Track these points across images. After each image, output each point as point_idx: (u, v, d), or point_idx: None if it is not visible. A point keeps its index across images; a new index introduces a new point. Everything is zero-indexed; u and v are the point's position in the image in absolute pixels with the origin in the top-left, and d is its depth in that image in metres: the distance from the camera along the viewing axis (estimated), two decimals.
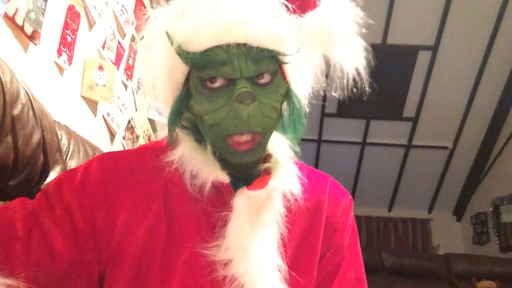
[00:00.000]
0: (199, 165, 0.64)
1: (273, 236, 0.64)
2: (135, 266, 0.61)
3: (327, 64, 0.67)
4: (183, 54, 0.58)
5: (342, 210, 0.73)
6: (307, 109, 0.70)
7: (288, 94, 0.66)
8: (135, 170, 0.65)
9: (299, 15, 0.63)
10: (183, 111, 0.65)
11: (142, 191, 0.64)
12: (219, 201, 0.64)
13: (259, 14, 0.58)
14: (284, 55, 0.61)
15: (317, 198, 0.72)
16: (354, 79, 0.65)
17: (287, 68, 0.64)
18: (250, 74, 0.58)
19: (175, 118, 0.64)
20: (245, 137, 0.59)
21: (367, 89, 0.66)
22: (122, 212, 0.62)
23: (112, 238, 0.61)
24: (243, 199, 0.62)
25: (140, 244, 0.61)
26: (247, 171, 0.65)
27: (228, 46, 0.57)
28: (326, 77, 0.68)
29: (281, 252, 0.64)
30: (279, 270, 0.62)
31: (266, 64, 0.60)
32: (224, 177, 0.63)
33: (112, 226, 0.61)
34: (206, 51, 0.57)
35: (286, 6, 0.62)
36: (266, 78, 0.60)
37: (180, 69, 0.62)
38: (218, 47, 0.57)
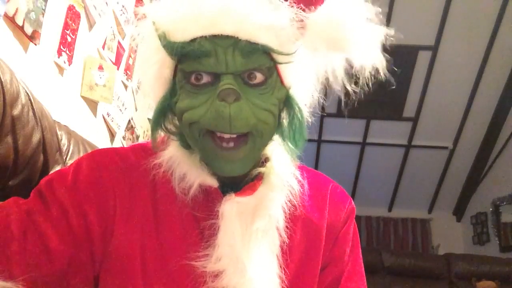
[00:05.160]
0: (187, 167, 0.60)
1: (271, 246, 0.60)
2: (122, 272, 0.58)
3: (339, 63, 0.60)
4: (167, 44, 0.54)
5: (344, 218, 0.69)
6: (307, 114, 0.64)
7: (288, 101, 0.60)
8: (125, 169, 0.63)
9: (302, 10, 0.55)
10: (167, 112, 0.61)
11: (132, 192, 0.61)
12: (207, 207, 0.60)
13: (250, 3, 0.52)
14: (279, 52, 0.54)
15: (318, 205, 0.68)
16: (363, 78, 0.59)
17: (284, 70, 0.58)
18: (237, 69, 0.53)
19: (158, 119, 0.60)
20: (228, 137, 0.55)
21: (373, 88, 0.60)
22: (112, 213, 0.60)
23: (104, 238, 0.58)
24: (231, 205, 0.58)
25: (128, 249, 0.58)
26: (235, 179, 0.61)
27: (215, 37, 0.52)
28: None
29: (282, 263, 0.60)
30: (277, 282, 0.58)
31: (256, 59, 0.53)
32: (212, 181, 0.60)
33: (105, 226, 0.59)
34: (190, 41, 0.53)
35: None
36: (258, 78, 0.55)
37: (167, 63, 0.58)
38: (204, 38, 0.52)
